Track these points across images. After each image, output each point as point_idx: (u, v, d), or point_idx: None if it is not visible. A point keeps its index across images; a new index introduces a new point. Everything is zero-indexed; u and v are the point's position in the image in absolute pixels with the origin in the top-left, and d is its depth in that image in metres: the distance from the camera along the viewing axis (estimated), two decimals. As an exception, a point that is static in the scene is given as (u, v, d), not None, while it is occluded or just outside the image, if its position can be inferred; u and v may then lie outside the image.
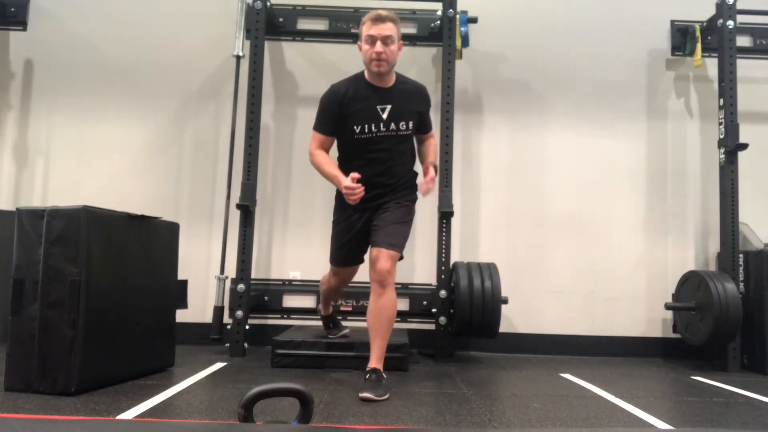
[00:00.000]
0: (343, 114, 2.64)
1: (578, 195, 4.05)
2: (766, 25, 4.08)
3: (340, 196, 2.75)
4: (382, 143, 2.67)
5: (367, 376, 2.52)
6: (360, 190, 2.51)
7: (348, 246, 2.85)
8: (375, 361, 2.57)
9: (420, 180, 2.77)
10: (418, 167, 2.89)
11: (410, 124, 2.70)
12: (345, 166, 2.70)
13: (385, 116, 2.64)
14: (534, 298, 3.97)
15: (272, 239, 3.98)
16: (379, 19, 2.55)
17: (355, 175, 2.52)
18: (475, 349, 3.91)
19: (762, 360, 3.44)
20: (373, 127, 2.64)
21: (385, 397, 2.42)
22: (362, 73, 2.71)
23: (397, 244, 2.61)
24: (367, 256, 2.80)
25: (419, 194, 2.77)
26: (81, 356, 2.30)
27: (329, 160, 2.68)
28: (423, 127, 2.84)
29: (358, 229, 2.77)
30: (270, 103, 4.02)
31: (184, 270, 3.14)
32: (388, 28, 2.56)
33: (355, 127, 2.64)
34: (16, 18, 4.02)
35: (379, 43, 2.54)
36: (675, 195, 4.08)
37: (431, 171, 2.72)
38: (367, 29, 2.58)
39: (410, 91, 2.74)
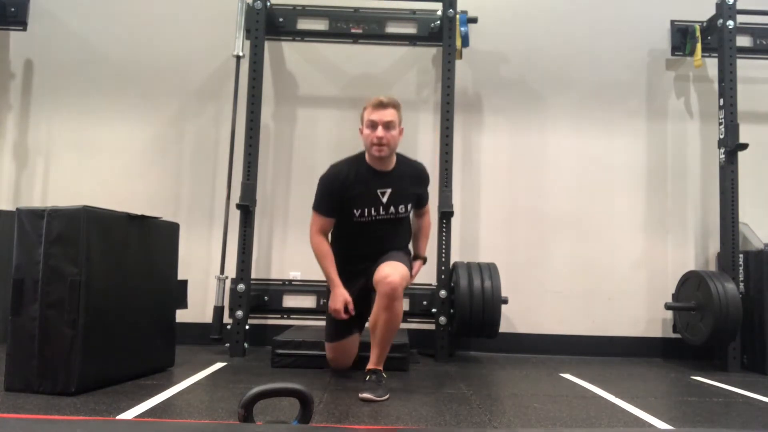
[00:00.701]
0: (343, 197, 2.65)
1: (578, 195, 4.05)
2: (766, 25, 4.08)
3: (340, 252, 2.77)
4: (380, 225, 2.70)
5: (368, 377, 2.52)
6: (345, 317, 2.63)
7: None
8: (375, 362, 2.58)
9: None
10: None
11: (408, 206, 2.75)
12: (339, 243, 2.77)
13: (384, 200, 2.67)
14: (534, 298, 3.97)
15: (272, 239, 3.98)
16: (380, 105, 2.58)
17: (350, 307, 2.63)
18: (475, 349, 3.91)
19: (762, 360, 3.44)
20: (372, 211, 2.66)
21: (385, 397, 2.42)
22: (363, 155, 2.72)
23: (406, 264, 2.61)
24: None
25: None
26: (81, 356, 2.30)
27: (329, 254, 2.70)
28: (420, 203, 2.86)
29: (354, 297, 2.69)
30: (270, 103, 4.02)
31: (184, 270, 3.14)
32: (389, 114, 2.58)
33: (355, 211, 2.66)
34: (16, 18, 4.02)
35: (380, 129, 2.56)
36: (675, 195, 4.08)
37: (417, 266, 2.87)
38: (368, 114, 2.60)
39: (410, 175, 2.76)
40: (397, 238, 2.80)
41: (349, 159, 2.75)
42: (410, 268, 2.72)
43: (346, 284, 2.69)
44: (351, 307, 2.63)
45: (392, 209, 2.69)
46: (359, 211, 2.66)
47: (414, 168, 2.81)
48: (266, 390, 1.54)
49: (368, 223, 2.69)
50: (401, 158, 2.77)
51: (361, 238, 2.74)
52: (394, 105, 2.62)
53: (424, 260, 2.96)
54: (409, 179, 2.74)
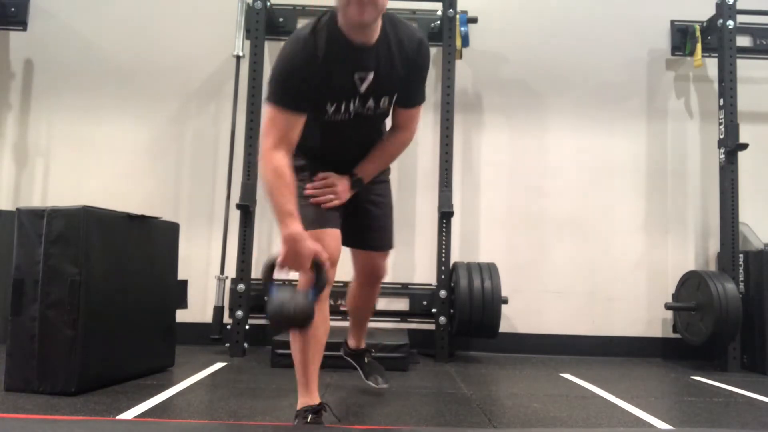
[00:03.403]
0: (314, 83, 1.78)
1: (578, 195, 4.05)
2: (766, 25, 4.08)
3: (305, 152, 1.93)
4: (354, 123, 1.91)
5: (365, 359, 2.40)
6: (305, 265, 1.73)
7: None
8: (363, 342, 2.45)
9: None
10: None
11: (394, 98, 1.92)
12: (301, 148, 1.88)
13: (362, 88, 1.83)
14: (534, 298, 3.97)
15: (272, 239, 3.98)
16: None
17: (324, 257, 1.75)
18: (475, 349, 3.91)
19: (762, 360, 3.44)
20: (346, 105, 1.85)
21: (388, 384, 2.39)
22: (333, 17, 1.78)
23: (391, 243, 2.22)
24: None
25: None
26: (81, 356, 2.30)
27: (292, 183, 1.76)
28: (408, 99, 1.95)
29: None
30: (270, 103, 4.02)
31: (184, 270, 3.14)
32: None
33: (329, 107, 1.84)
34: (16, 18, 4.02)
35: None
36: (675, 195, 4.08)
37: (345, 187, 1.95)
38: None
39: (402, 50, 1.86)
40: (375, 140, 2.05)
41: (317, 24, 1.79)
42: (393, 215, 2.21)
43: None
44: (323, 255, 1.74)
45: (371, 102, 1.86)
46: (334, 106, 1.83)
47: (409, 37, 1.88)
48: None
49: (340, 122, 1.89)
50: (389, 24, 1.85)
51: (329, 142, 1.96)
52: None
53: (358, 183, 2.00)
54: (399, 56, 1.85)
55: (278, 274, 1.74)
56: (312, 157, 1.96)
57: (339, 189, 1.95)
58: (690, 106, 4.15)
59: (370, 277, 2.24)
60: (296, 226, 1.72)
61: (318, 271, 1.66)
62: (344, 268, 2.18)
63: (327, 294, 1.90)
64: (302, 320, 1.64)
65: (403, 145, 2.07)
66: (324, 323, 1.93)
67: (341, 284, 3.48)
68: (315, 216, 1.89)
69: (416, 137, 2.54)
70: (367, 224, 2.12)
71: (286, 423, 2.01)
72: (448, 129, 3.68)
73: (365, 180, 2.02)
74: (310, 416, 1.84)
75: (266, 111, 1.78)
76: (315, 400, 1.88)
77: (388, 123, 2.08)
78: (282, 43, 3.91)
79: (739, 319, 3.34)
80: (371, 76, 1.82)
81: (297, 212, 1.74)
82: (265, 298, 1.75)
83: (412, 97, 1.96)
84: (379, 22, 1.81)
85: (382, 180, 2.17)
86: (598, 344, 3.93)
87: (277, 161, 1.74)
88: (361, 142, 2.01)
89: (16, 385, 2.31)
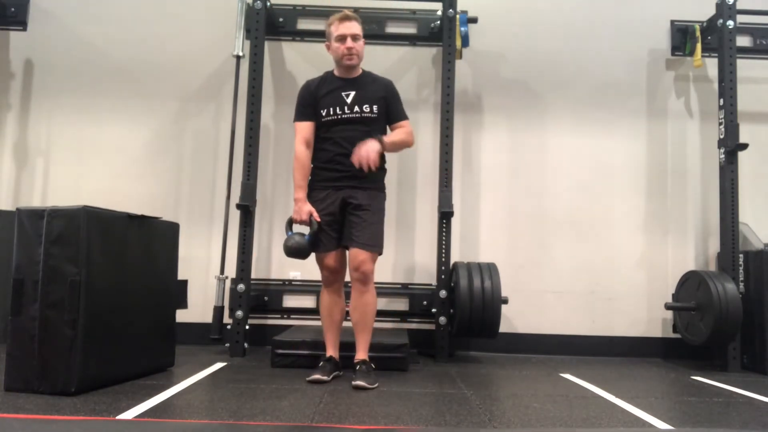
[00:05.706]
0: (314, 100, 2.88)
1: (578, 195, 4.06)
2: (766, 25, 4.08)
3: (312, 179, 2.89)
4: (349, 125, 2.84)
5: (358, 367, 2.75)
6: (304, 218, 2.78)
7: (322, 228, 2.82)
8: (363, 353, 2.82)
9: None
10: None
11: (374, 108, 2.86)
12: (316, 154, 2.89)
13: (349, 100, 2.86)
14: (534, 298, 3.97)
15: (272, 239, 3.98)
16: (346, 19, 2.87)
17: (315, 215, 2.78)
18: (475, 349, 3.91)
19: (762, 360, 3.44)
20: (338, 110, 2.85)
21: (376, 385, 2.64)
22: (332, 70, 2.99)
23: (377, 244, 2.79)
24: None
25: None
26: (81, 356, 2.30)
27: (306, 165, 2.85)
28: (392, 116, 2.95)
29: (332, 211, 2.81)
30: (270, 103, 4.02)
31: (184, 270, 3.14)
32: (355, 27, 2.87)
33: (322, 111, 2.86)
34: (16, 18, 4.02)
35: (349, 40, 2.84)
36: (675, 195, 4.08)
37: (372, 142, 2.72)
38: (336, 29, 2.87)
39: (374, 81, 2.96)
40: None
41: (320, 75, 2.99)
42: (383, 229, 2.84)
43: (324, 197, 2.83)
44: (315, 215, 2.78)
45: (357, 108, 2.85)
46: (326, 110, 2.85)
47: (379, 79, 3.00)
48: None
49: (336, 122, 2.84)
50: (368, 72, 3.01)
51: (332, 138, 2.85)
52: (357, 18, 2.91)
53: (383, 144, 2.78)
54: (372, 85, 2.93)
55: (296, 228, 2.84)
56: (322, 164, 2.86)
57: (367, 147, 2.72)
58: (690, 106, 4.16)
59: (354, 271, 2.75)
60: (301, 194, 2.81)
61: (311, 222, 2.75)
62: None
63: (340, 288, 2.91)
64: (302, 250, 2.74)
65: (408, 132, 2.93)
66: (338, 307, 2.91)
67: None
68: (317, 243, 2.83)
69: (416, 137, 2.67)
70: (354, 222, 2.79)
71: (286, 423, 2.01)
72: (448, 129, 3.68)
73: (387, 142, 2.81)
74: (321, 362, 2.84)
75: (294, 126, 2.91)
76: (333, 354, 2.89)
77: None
78: (281, 43, 4.12)
79: (739, 319, 3.34)
80: (353, 92, 2.89)
81: (304, 185, 2.83)
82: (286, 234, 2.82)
83: (393, 115, 2.95)
84: (360, 69, 2.97)
85: (370, 187, 2.83)
86: (598, 344, 3.94)
87: (300, 153, 2.85)
88: (350, 139, 2.80)
89: (16, 385, 2.31)
